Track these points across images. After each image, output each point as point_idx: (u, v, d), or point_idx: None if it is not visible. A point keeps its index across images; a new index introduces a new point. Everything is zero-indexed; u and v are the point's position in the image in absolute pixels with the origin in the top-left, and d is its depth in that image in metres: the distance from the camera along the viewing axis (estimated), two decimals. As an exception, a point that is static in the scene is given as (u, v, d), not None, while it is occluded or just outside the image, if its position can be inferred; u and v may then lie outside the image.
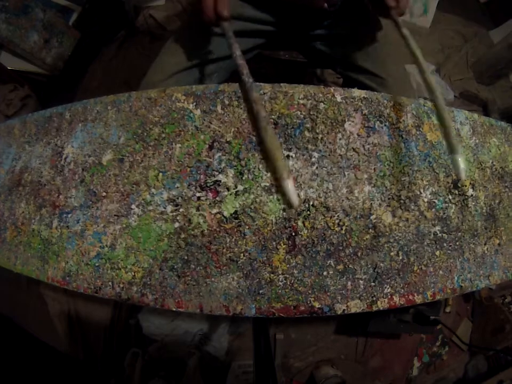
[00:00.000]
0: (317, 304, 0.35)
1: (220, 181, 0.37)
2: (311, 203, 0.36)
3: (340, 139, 0.38)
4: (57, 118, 0.48)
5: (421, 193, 0.39)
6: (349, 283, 0.36)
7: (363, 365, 1.15)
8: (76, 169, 0.43)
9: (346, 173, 0.37)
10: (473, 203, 0.43)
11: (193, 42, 0.63)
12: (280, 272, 0.35)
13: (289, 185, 0.33)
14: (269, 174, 0.37)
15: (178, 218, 0.37)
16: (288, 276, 0.35)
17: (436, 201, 0.40)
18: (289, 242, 0.36)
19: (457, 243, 0.41)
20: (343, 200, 0.37)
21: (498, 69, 1.44)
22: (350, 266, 0.36)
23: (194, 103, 0.39)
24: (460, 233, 0.41)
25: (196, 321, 1.02)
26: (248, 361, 1.04)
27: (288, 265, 0.35)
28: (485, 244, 0.43)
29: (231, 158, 0.37)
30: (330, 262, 0.36)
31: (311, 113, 0.38)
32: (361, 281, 0.36)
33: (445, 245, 0.40)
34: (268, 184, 0.36)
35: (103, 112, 0.43)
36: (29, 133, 0.51)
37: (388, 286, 0.37)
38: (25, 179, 0.48)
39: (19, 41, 1.17)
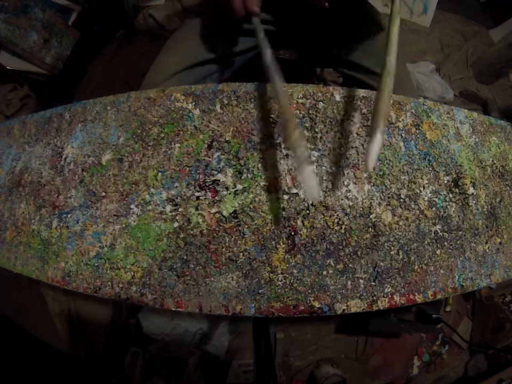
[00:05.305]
0: (316, 304, 0.35)
1: (219, 180, 0.37)
2: (310, 202, 0.36)
3: (339, 138, 0.38)
4: (56, 119, 0.48)
5: (421, 192, 0.39)
6: (349, 282, 0.36)
7: (363, 364, 1.15)
8: (75, 169, 0.43)
9: (345, 172, 0.37)
10: (474, 202, 0.42)
11: (193, 42, 0.62)
12: (279, 272, 0.35)
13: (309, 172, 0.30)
14: (268, 173, 0.36)
15: (177, 218, 0.37)
16: (287, 275, 0.35)
17: (436, 199, 0.40)
18: (289, 241, 0.36)
19: (458, 242, 0.41)
20: (342, 199, 0.37)
21: (498, 68, 1.43)
22: (350, 265, 0.36)
23: (194, 103, 0.39)
24: (460, 232, 0.41)
25: (196, 320, 1.02)
26: (249, 360, 1.04)
27: (287, 265, 0.35)
28: (486, 243, 0.43)
29: (230, 158, 0.37)
30: (330, 261, 0.36)
31: (310, 112, 0.38)
32: (361, 281, 0.36)
33: (445, 243, 0.40)
34: (267, 183, 0.36)
35: (103, 113, 0.43)
36: (28, 134, 0.51)
37: (388, 286, 0.37)
38: (25, 179, 0.48)
39: (18, 41, 1.16)
